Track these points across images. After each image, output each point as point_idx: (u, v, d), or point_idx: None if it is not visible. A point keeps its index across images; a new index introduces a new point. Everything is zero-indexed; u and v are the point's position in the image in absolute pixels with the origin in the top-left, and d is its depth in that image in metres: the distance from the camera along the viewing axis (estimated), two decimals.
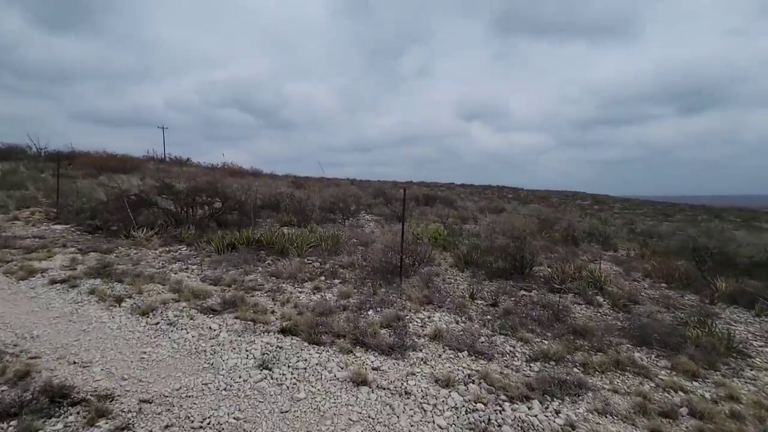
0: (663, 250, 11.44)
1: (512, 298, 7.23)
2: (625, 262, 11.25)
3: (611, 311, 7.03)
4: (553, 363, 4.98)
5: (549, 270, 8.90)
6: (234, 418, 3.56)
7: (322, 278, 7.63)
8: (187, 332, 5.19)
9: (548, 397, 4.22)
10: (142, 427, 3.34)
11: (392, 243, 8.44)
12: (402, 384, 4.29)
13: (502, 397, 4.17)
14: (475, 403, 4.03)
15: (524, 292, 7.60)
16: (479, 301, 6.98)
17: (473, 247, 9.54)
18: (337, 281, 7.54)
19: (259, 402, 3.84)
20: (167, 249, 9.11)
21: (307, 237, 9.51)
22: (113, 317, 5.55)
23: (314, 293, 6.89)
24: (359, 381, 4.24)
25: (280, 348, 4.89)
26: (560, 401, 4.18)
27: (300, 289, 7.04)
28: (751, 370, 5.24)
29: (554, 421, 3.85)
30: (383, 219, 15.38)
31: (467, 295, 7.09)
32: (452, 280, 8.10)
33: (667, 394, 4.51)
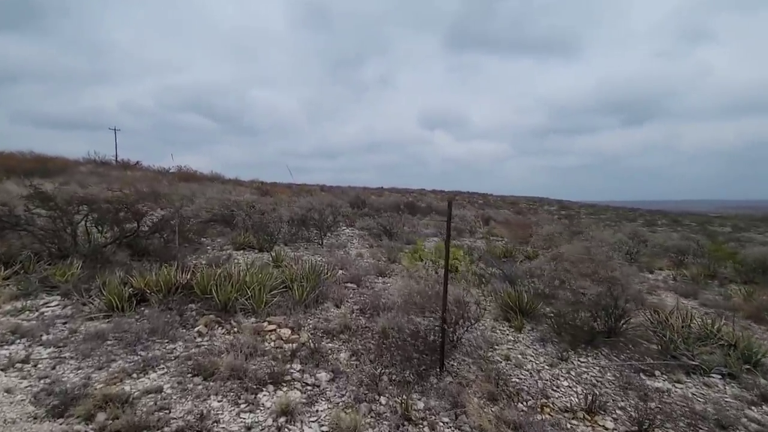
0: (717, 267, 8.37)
1: (649, 402, 3.70)
2: (691, 293, 8.10)
3: None
4: None
5: (644, 320, 5.50)
6: None
7: (296, 370, 3.81)
8: None
9: None
10: None
11: (414, 292, 4.73)
12: None
13: None
14: None
15: (653, 381, 4.11)
16: (607, 422, 3.38)
17: (526, 286, 5.99)
18: (323, 377, 3.73)
19: None
20: (22, 304, 4.95)
21: (268, 275, 5.62)
22: None
23: (279, 421, 3.07)
24: None
25: None
26: None
27: (248, 413, 3.18)
28: None
29: None
30: (368, 234, 11.62)
31: (582, 406, 3.48)
32: (518, 354, 4.50)
33: None
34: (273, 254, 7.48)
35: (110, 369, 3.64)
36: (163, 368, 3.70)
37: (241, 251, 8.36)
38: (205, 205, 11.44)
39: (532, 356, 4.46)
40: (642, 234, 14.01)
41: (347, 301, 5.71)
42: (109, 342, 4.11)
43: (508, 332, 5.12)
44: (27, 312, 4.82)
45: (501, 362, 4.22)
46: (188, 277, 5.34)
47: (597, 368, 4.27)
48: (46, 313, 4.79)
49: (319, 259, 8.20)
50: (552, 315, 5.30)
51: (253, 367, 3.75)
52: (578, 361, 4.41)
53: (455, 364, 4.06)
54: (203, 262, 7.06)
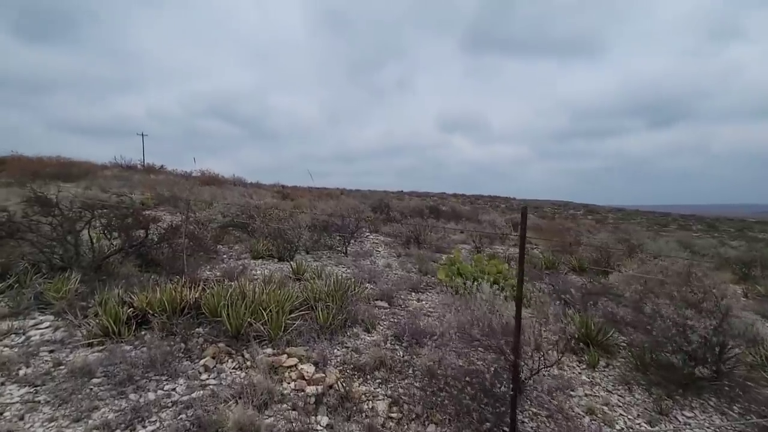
0: None
1: None
2: None
3: None
4: None
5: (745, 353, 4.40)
6: None
7: (322, 426, 2.92)
8: None
9: None
10: None
11: (463, 321, 3.78)
12: None
13: None
14: None
15: None
16: None
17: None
18: None
19: None
20: (8, 326, 4.23)
21: (288, 294, 4.76)
22: None
23: None
24: None
25: None
26: None
27: None
28: None
29: None
30: (394, 241, 10.71)
31: None
32: (602, 405, 3.48)
33: None
34: (293, 264, 6.65)
35: (89, 422, 2.83)
36: (155, 421, 2.87)
37: (260, 260, 7.57)
38: (223, 210, 10.78)
39: (620, 407, 3.44)
40: (694, 243, 12.63)
41: (380, 325, 4.81)
42: (95, 380, 3.32)
43: (578, 369, 4.11)
44: (13, 336, 4.10)
45: (584, 417, 3.23)
46: (196, 295, 4.54)
47: (711, 430, 3.22)
48: (33, 338, 4.06)
49: (343, 270, 7.33)
50: (629, 347, 4.25)
51: (269, 420, 2.89)
52: (683, 416, 3.37)
53: (527, 420, 3.09)
54: (218, 273, 6.29)
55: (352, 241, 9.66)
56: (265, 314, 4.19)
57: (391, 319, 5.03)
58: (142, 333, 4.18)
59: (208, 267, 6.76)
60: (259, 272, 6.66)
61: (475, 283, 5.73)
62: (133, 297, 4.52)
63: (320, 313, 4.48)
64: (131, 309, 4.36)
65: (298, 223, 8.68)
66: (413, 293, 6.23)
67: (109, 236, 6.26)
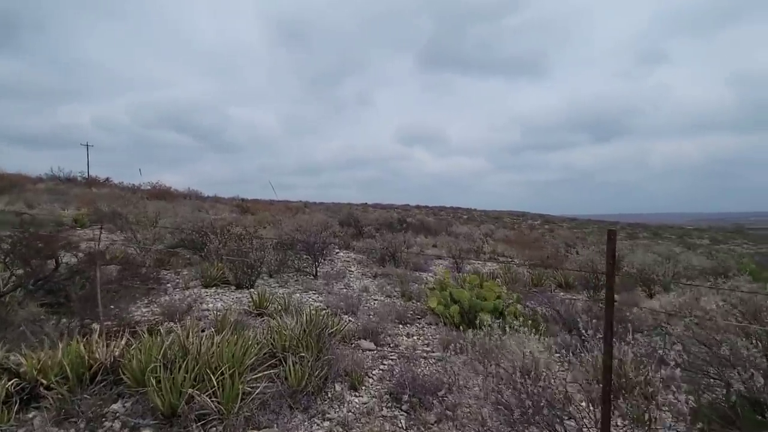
0: None
1: None
2: None
3: None
4: None
5: None
6: None
7: None
8: None
9: None
10: None
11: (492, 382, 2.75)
12: None
13: None
14: None
15: None
16: None
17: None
18: None
19: None
20: None
21: (247, 343, 3.52)
22: None
23: None
24: None
25: None
26: None
27: None
28: None
29: None
30: (368, 258, 9.60)
31: None
32: None
33: None
34: (254, 295, 5.36)
35: None
36: None
37: (213, 289, 6.21)
38: (172, 227, 9.22)
39: None
40: (676, 255, 12.45)
41: (369, 377, 3.68)
42: None
43: None
44: None
45: None
46: (116, 353, 3.22)
47: None
48: None
49: (315, 298, 6.13)
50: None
51: None
52: None
53: None
54: (156, 311, 4.91)
55: (322, 259, 8.45)
56: (214, 379, 2.95)
57: (382, 367, 3.91)
58: (30, 415, 2.82)
59: (146, 301, 5.35)
60: (211, 306, 5.32)
61: (479, 316, 4.75)
62: (21, 359, 3.12)
63: (291, 369, 3.29)
64: (16, 378, 2.97)
65: (262, 242, 7.35)
66: (401, 325, 5.15)
67: (9, 267, 4.73)
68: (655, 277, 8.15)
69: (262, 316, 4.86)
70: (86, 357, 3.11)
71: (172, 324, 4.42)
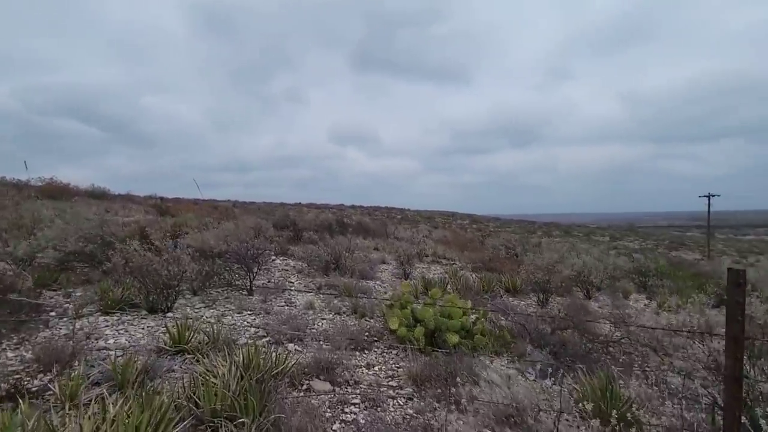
0: None
1: None
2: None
3: None
4: None
5: None
6: None
7: None
8: None
9: None
10: None
11: None
12: None
13: None
14: None
15: None
16: None
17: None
18: None
19: None
20: None
21: (162, 409, 2.49)
22: None
23: None
24: None
25: None
26: None
27: None
28: None
29: None
30: (309, 266, 8.59)
31: None
32: None
33: None
34: (170, 326, 4.17)
35: None
36: None
37: (117, 315, 4.84)
38: (66, 234, 7.38)
39: None
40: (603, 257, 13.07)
41: None
42: None
43: None
44: None
45: None
46: None
47: None
48: None
49: (252, 321, 5.08)
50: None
51: None
52: None
53: None
54: (28, 355, 3.55)
55: (257, 270, 7.29)
56: None
57: (344, 416, 3.08)
58: None
59: (16, 340, 3.91)
60: (111, 342, 4.04)
61: (446, 337, 4.12)
62: None
63: None
64: None
65: (176, 257, 5.98)
66: (358, 352, 4.34)
67: None
68: (593, 280, 8.29)
69: (183, 355, 3.74)
70: None
71: (48, 377, 3.17)
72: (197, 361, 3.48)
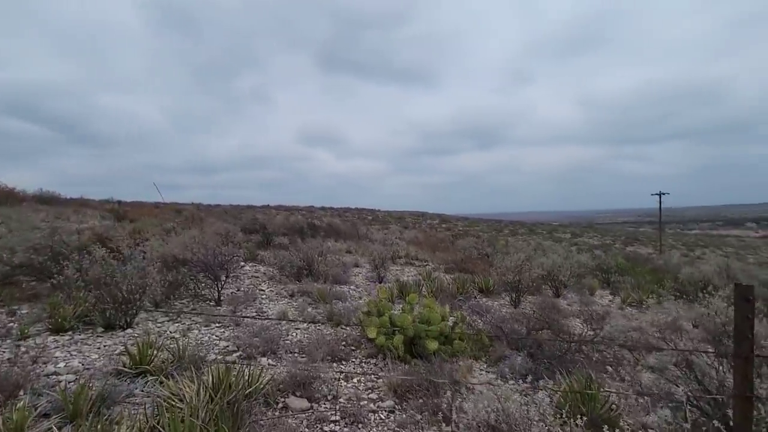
0: None
1: None
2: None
3: None
4: None
5: None
6: None
7: None
8: None
9: None
10: None
11: None
12: None
13: None
14: None
15: None
16: None
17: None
18: None
19: None
20: None
21: None
22: None
23: None
24: None
25: None
26: None
27: None
28: None
29: None
30: (281, 272, 8.28)
31: None
32: None
33: None
34: (130, 347, 3.82)
35: None
36: None
37: (68, 335, 4.42)
38: (10, 244, 6.71)
39: None
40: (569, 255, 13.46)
41: None
42: None
43: None
44: None
45: None
46: None
47: None
48: None
49: (221, 334, 4.79)
50: None
51: None
52: None
53: None
54: None
55: (226, 278, 6.93)
56: None
57: None
58: None
59: None
60: (62, 366, 3.65)
61: (425, 344, 4.03)
62: None
63: None
64: None
65: (140, 267, 5.55)
66: (335, 363, 4.17)
67: None
68: (562, 278, 8.50)
69: (146, 376, 3.43)
70: None
71: None
72: (161, 383, 3.20)
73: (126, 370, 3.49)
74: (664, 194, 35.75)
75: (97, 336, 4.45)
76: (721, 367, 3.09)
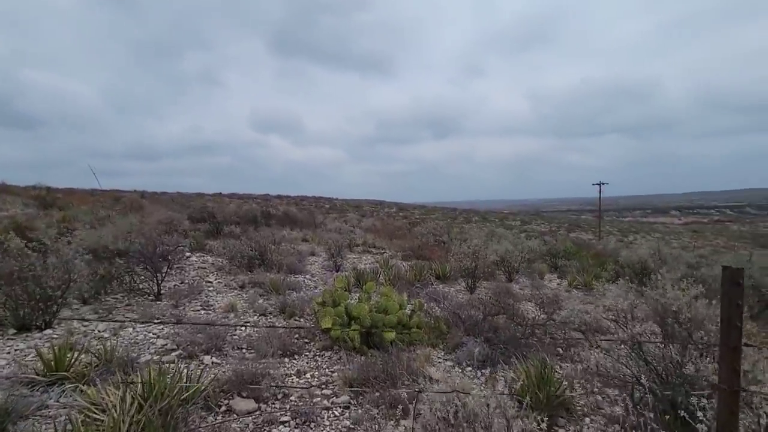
0: None
1: None
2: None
3: None
4: None
5: None
6: None
7: None
8: None
9: None
10: None
11: None
12: None
13: None
14: None
15: None
16: None
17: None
18: None
19: None
20: None
21: None
22: None
23: None
24: None
25: None
26: None
27: None
28: None
29: None
30: (231, 263, 7.76)
31: None
32: None
33: None
34: (46, 351, 3.31)
35: None
36: None
37: None
38: None
39: None
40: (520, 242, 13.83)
41: None
42: None
43: None
44: None
45: None
46: None
47: None
48: None
49: (159, 332, 4.33)
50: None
51: None
52: None
53: None
54: None
55: (168, 270, 6.34)
56: None
57: None
58: None
59: None
60: None
61: (382, 334, 3.86)
62: None
63: None
64: None
65: (64, 260, 4.86)
66: (287, 358, 3.89)
67: None
68: (514, 264, 8.70)
69: (63, 384, 2.96)
70: None
71: None
72: (81, 391, 2.77)
73: (39, 377, 3.00)
74: (604, 184, 38.20)
75: (8, 339, 3.84)
76: (669, 352, 3.18)
